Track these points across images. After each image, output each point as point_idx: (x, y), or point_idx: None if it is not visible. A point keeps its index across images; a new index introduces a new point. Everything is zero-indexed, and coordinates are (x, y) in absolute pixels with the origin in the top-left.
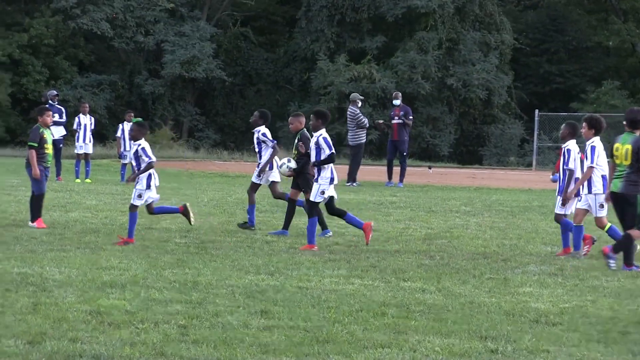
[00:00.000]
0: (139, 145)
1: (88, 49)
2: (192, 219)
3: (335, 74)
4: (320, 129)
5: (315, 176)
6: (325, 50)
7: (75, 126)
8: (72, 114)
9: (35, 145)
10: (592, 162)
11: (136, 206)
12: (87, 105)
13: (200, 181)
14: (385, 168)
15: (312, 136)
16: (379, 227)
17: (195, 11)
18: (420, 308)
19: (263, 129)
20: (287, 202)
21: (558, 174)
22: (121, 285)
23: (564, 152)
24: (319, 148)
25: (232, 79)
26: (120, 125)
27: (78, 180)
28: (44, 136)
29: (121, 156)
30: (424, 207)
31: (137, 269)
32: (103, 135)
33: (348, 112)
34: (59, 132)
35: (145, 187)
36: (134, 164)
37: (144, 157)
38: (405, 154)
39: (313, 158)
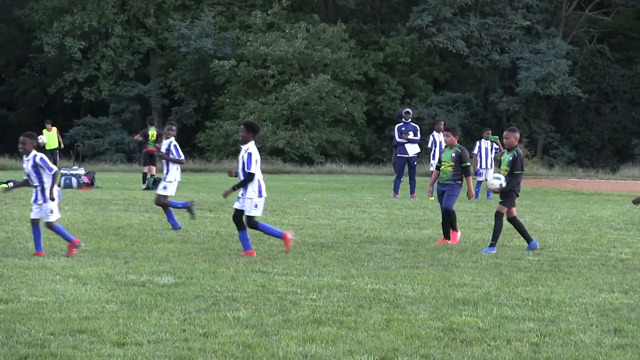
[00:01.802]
0: None
1: (443, 67)
2: None
3: None
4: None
5: None
6: None
7: (429, 144)
8: (426, 132)
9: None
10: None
11: None
12: (442, 123)
13: (554, 198)
14: None
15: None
16: None
17: (550, 28)
18: None
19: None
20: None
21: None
22: (474, 302)
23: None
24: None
25: (587, 96)
26: (477, 142)
27: (432, 198)
28: None
29: (477, 173)
30: None
31: (489, 286)
32: None
33: None
34: (413, 149)
35: None
36: None
37: None
38: None
39: None
